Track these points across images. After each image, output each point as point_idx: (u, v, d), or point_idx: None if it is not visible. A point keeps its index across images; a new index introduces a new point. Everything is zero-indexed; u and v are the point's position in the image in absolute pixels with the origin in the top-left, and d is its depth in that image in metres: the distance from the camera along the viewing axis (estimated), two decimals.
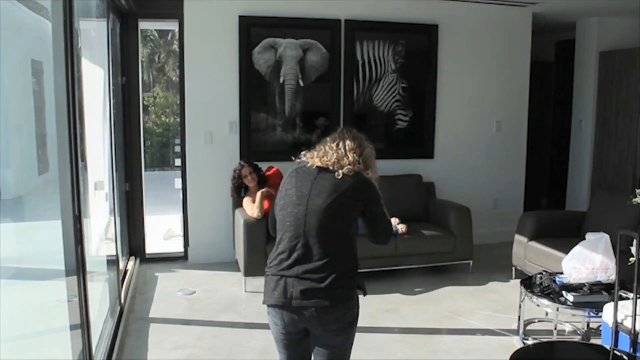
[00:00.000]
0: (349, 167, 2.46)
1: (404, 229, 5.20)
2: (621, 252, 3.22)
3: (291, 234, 2.42)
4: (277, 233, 2.54)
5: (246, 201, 5.08)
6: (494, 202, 6.56)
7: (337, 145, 2.53)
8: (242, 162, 5.25)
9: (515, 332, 4.11)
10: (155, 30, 14.98)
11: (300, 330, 2.45)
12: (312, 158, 2.55)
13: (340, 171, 2.44)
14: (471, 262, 5.45)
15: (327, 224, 2.39)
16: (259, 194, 4.99)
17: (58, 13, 2.68)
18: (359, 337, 2.54)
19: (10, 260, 2.72)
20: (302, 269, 2.36)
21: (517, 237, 5.24)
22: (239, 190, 5.20)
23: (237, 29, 5.57)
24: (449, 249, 5.32)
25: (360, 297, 2.48)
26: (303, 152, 2.63)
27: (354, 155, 2.50)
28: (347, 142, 2.53)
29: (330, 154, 2.51)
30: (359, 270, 2.51)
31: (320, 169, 2.49)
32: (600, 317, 3.47)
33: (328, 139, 2.59)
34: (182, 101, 5.67)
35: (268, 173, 5.32)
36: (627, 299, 3.43)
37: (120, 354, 3.73)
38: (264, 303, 2.53)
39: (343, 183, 2.43)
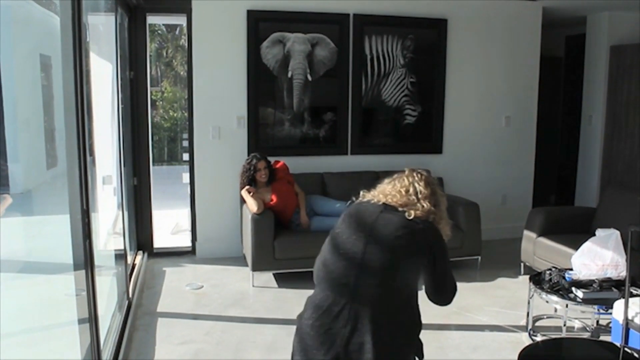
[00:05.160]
0: (423, 212, 2.13)
1: None
2: (632, 249, 3.19)
3: (344, 266, 2.06)
4: (323, 268, 2.14)
5: (246, 195, 5.05)
6: (503, 198, 6.53)
7: (407, 191, 2.19)
8: (259, 155, 5.17)
9: (524, 329, 4.10)
10: (163, 24, 15.01)
11: None
12: (375, 196, 2.24)
13: (412, 211, 2.12)
14: (479, 258, 5.43)
15: (393, 259, 2.04)
16: (243, 192, 5.03)
17: (66, 8, 2.68)
18: None
19: (19, 254, 2.73)
20: (353, 321, 1.98)
21: (526, 233, 5.22)
22: (251, 183, 5.13)
23: (245, 24, 5.56)
24: (457, 245, 5.29)
25: None
26: (362, 192, 2.31)
27: (428, 203, 2.16)
28: (420, 188, 2.20)
29: (398, 197, 2.18)
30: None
31: (387, 206, 2.16)
32: (610, 314, 3.45)
33: (396, 182, 2.25)
34: (190, 96, 5.67)
35: (275, 167, 5.30)
36: (638, 295, 3.41)
37: (128, 348, 3.75)
38: None
39: (414, 225, 2.08)
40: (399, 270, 2.05)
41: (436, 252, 2.12)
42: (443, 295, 2.22)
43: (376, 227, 2.09)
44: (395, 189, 2.21)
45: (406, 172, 2.28)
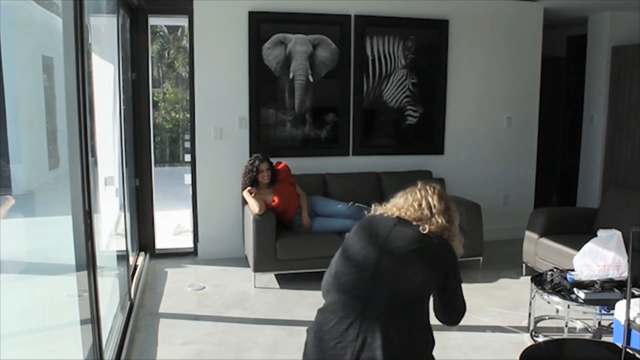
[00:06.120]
0: (437, 228, 2.10)
1: None
2: (634, 250, 3.19)
3: (356, 278, 2.01)
4: (335, 280, 2.08)
5: (248, 196, 5.04)
6: (504, 199, 6.53)
7: (420, 205, 2.15)
8: (261, 156, 5.17)
9: (526, 330, 4.09)
10: (165, 26, 15.03)
11: None
12: (389, 210, 2.19)
13: (426, 226, 2.08)
14: (481, 258, 5.42)
15: (406, 273, 1.99)
16: (245, 193, 5.02)
17: (69, 9, 2.68)
18: None
19: (21, 255, 2.73)
20: (364, 335, 1.91)
21: (528, 233, 5.21)
22: (253, 184, 5.12)
23: (246, 25, 5.57)
24: None
25: None
26: (374, 206, 2.26)
27: (442, 219, 2.12)
28: (434, 202, 2.15)
29: (412, 211, 2.14)
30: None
31: (401, 219, 2.12)
32: (612, 314, 3.44)
33: (409, 196, 2.19)
34: (192, 97, 5.67)
35: (277, 168, 5.30)
36: None
37: (130, 349, 3.75)
38: None
39: (429, 239, 2.05)
40: (411, 284, 2.00)
41: (449, 270, 2.08)
42: (452, 314, 2.18)
43: (390, 239, 2.05)
44: (408, 203, 2.16)
45: (419, 186, 2.22)
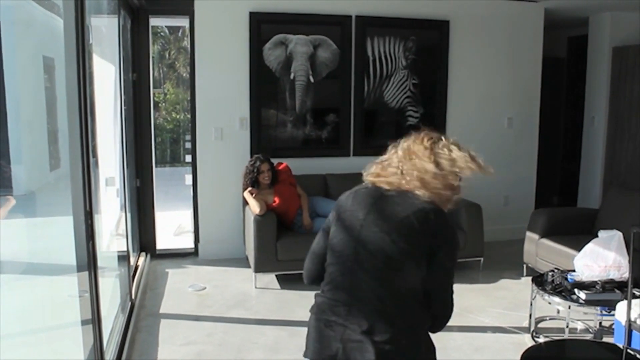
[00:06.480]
0: (422, 191, 1.86)
1: None
2: (635, 250, 3.19)
3: (338, 269, 1.91)
4: (326, 268, 2.00)
5: (249, 197, 5.04)
6: (505, 199, 6.52)
7: (395, 169, 1.92)
8: (262, 157, 5.17)
9: (527, 330, 4.09)
10: (166, 26, 15.05)
11: None
12: (370, 181, 1.96)
13: (413, 199, 1.84)
14: (482, 259, 5.42)
15: (387, 260, 1.82)
16: (246, 193, 5.02)
17: (70, 10, 2.69)
18: None
19: (22, 256, 2.74)
20: (354, 323, 1.82)
21: (529, 234, 5.21)
22: (254, 185, 5.11)
23: (247, 25, 5.57)
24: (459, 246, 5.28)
25: None
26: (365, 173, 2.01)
27: (428, 177, 1.89)
28: (405, 161, 1.93)
29: (387, 179, 1.92)
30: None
31: (382, 194, 1.90)
32: (613, 315, 3.44)
33: (387, 160, 1.97)
34: (193, 97, 5.68)
35: (278, 169, 5.31)
36: None
37: (130, 350, 3.76)
38: (304, 356, 1.99)
39: (410, 214, 1.81)
40: (395, 272, 1.82)
41: (439, 245, 1.81)
42: (440, 306, 1.88)
43: (367, 224, 1.84)
44: (389, 171, 1.91)
45: (390, 149, 1.98)
